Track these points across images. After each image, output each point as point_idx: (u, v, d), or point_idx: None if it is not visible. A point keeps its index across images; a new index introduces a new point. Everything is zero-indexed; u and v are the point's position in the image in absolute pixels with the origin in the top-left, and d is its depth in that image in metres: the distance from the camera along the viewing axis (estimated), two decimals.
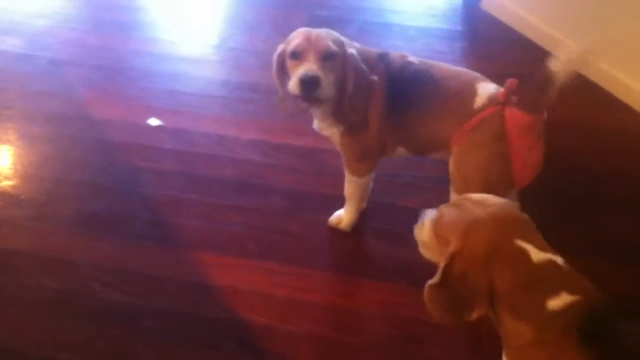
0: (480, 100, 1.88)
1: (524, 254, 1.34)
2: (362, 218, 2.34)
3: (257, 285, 2.13)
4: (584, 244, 2.20)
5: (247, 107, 2.82)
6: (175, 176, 2.50)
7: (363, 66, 1.95)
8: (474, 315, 1.38)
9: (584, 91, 2.89)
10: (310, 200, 2.42)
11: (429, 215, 1.56)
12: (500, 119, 1.83)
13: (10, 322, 2.04)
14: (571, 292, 1.29)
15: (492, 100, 1.86)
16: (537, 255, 1.34)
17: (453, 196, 1.96)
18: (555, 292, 1.29)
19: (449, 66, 2.03)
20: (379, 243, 2.27)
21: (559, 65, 1.75)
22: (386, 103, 1.98)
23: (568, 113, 2.76)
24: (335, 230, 2.30)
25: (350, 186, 2.22)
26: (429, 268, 1.48)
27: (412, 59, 2.01)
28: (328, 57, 1.88)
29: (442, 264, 1.40)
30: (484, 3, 3.43)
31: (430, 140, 2.00)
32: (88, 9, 3.56)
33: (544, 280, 1.32)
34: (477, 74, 1.99)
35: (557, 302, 1.28)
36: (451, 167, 1.95)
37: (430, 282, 1.41)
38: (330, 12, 3.44)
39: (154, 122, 2.72)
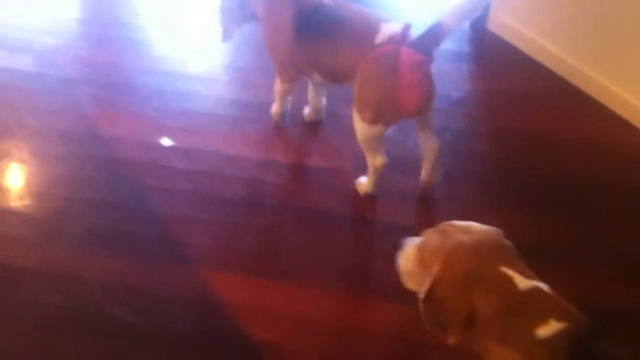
0: (381, 37, 2.19)
1: (509, 280, 1.35)
2: (373, 239, 2.35)
3: (266, 303, 2.14)
4: (582, 256, 2.23)
5: (255, 126, 2.84)
6: (185, 194, 2.51)
7: None
8: (450, 340, 1.40)
9: (587, 108, 2.92)
10: (320, 219, 2.43)
11: (412, 242, 1.58)
12: (395, 55, 2.14)
13: (19, 338, 2.05)
14: (559, 319, 1.30)
15: (391, 39, 2.17)
16: (522, 282, 1.35)
17: (354, 115, 2.31)
18: (543, 319, 1.30)
19: (359, 7, 2.35)
20: (389, 264, 2.28)
21: (448, 17, 2.11)
22: (294, 34, 2.38)
23: (570, 129, 2.80)
24: (345, 250, 2.30)
25: (276, 86, 2.69)
26: None
27: (328, 0, 2.36)
28: None
29: (426, 286, 1.42)
30: (490, 24, 3.46)
31: (339, 69, 2.35)
32: (98, 27, 3.59)
33: (531, 307, 1.33)
34: (383, 16, 2.29)
35: (546, 329, 1.29)
36: (354, 90, 2.29)
37: (421, 296, 1.44)
38: None
39: (166, 142, 2.73)
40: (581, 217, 2.43)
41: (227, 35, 2.65)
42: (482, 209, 2.43)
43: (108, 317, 2.10)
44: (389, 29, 2.19)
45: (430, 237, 1.51)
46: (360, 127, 2.32)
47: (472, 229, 1.47)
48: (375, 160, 2.40)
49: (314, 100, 2.83)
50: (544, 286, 1.36)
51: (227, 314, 2.10)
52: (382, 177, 2.45)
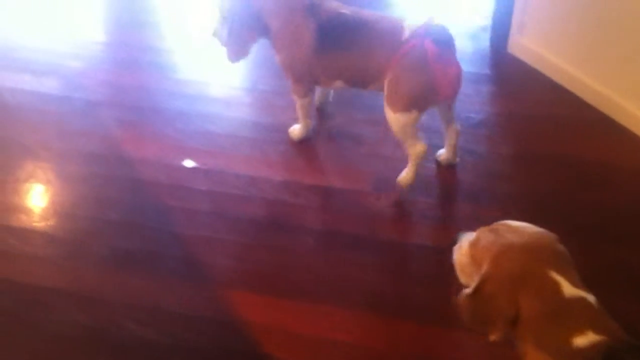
0: (406, 34, 2.33)
1: (556, 286, 1.35)
2: (394, 260, 2.35)
3: (287, 324, 2.15)
4: (605, 279, 2.21)
5: (277, 148, 2.87)
6: (207, 215, 2.54)
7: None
8: (492, 337, 1.40)
9: (608, 130, 2.91)
10: (340, 239, 2.44)
11: (467, 237, 1.59)
12: (422, 47, 2.28)
13: (42, 356, 2.08)
14: (598, 331, 1.30)
15: (414, 34, 2.31)
16: (569, 289, 1.35)
17: (386, 110, 2.43)
18: (582, 329, 1.30)
19: (374, 13, 2.50)
20: (411, 283, 2.28)
21: None
22: (315, 45, 2.47)
23: (591, 151, 2.79)
24: (365, 270, 2.31)
25: (296, 105, 2.78)
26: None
27: (344, 10, 2.47)
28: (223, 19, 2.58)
29: (475, 281, 1.44)
30: (510, 46, 3.47)
31: (367, 72, 2.45)
32: (123, 51, 3.64)
33: (572, 316, 1.33)
34: (400, 17, 2.45)
35: (583, 340, 1.29)
36: (386, 87, 2.40)
37: (466, 291, 1.45)
38: None
39: (188, 163, 2.77)
40: (603, 240, 2.41)
41: (241, 54, 2.68)
42: None
43: (129, 335, 2.12)
44: (411, 26, 2.34)
45: (483, 235, 1.52)
46: (395, 118, 2.43)
47: (526, 230, 1.48)
48: (416, 148, 2.51)
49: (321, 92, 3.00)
50: (590, 297, 1.36)
51: (247, 334, 2.12)
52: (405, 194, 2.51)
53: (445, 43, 2.31)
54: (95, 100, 3.20)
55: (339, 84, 2.61)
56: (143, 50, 3.64)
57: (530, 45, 3.36)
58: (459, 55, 2.36)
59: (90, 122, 3.04)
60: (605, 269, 2.27)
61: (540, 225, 2.35)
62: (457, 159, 2.73)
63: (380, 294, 2.25)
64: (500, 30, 3.50)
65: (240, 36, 2.61)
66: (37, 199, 2.63)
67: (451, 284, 2.11)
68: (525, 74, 3.33)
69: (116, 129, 3.00)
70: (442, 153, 2.73)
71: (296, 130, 2.88)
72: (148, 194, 2.64)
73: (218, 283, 2.28)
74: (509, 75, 3.37)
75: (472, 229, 2.40)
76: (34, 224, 2.52)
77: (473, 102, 3.11)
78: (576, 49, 3.11)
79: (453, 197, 2.64)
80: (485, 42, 3.58)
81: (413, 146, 2.51)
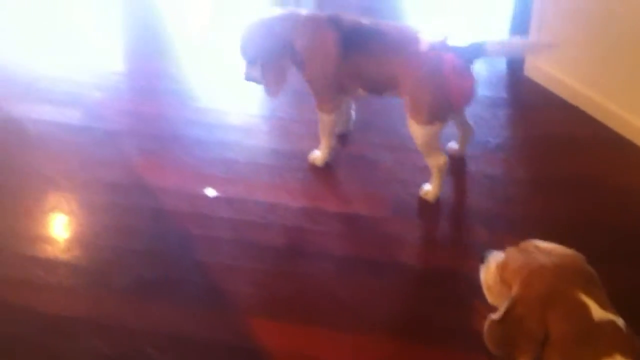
0: (423, 46, 2.42)
1: (585, 308, 1.35)
2: (414, 285, 2.36)
3: (307, 350, 2.16)
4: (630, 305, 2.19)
5: (297, 175, 2.89)
6: (227, 243, 2.56)
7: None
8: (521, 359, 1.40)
9: (626, 153, 2.91)
10: (360, 265, 2.45)
11: (494, 257, 1.60)
12: (440, 60, 2.37)
13: None
14: (625, 354, 1.30)
15: (433, 46, 2.41)
16: (597, 312, 1.35)
17: (411, 123, 2.50)
18: (610, 352, 1.31)
19: (393, 23, 2.67)
20: (432, 308, 2.29)
21: (493, 44, 2.43)
22: (340, 55, 2.55)
23: (609, 174, 2.78)
24: (387, 296, 2.32)
25: (321, 124, 2.81)
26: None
27: (364, 21, 2.56)
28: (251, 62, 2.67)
29: (504, 305, 1.43)
30: (526, 70, 3.49)
31: (386, 79, 2.53)
32: (143, 80, 3.70)
33: (601, 339, 1.33)
34: (417, 28, 2.54)
35: None
36: (405, 94, 2.49)
37: (493, 316, 1.45)
38: None
39: (210, 192, 2.80)
40: (623, 263, 2.39)
41: (280, 84, 2.72)
42: None
43: None
44: (428, 37, 2.44)
45: (512, 255, 1.53)
46: (419, 131, 2.50)
47: (555, 251, 1.49)
48: (439, 160, 2.59)
49: (344, 113, 3.00)
50: (619, 320, 1.36)
51: None
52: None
53: (463, 57, 2.40)
54: (115, 129, 3.24)
55: (360, 92, 2.69)
56: (162, 79, 3.69)
57: (546, 68, 3.37)
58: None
59: (111, 152, 3.08)
60: (625, 293, 2.25)
61: None
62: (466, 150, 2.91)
63: (401, 319, 2.26)
64: None
65: (274, 69, 2.67)
66: (61, 229, 2.67)
67: (473, 308, 2.13)
68: (541, 96, 3.34)
69: (137, 157, 3.04)
70: (454, 146, 2.89)
71: (318, 155, 2.92)
72: (169, 222, 2.67)
73: (239, 310, 2.30)
74: (525, 98, 3.39)
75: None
76: (58, 254, 2.55)
77: (490, 126, 3.12)
78: (592, 71, 3.12)
79: (471, 221, 2.64)
80: (501, 65, 3.60)
81: (435, 158, 2.58)
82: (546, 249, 1.49)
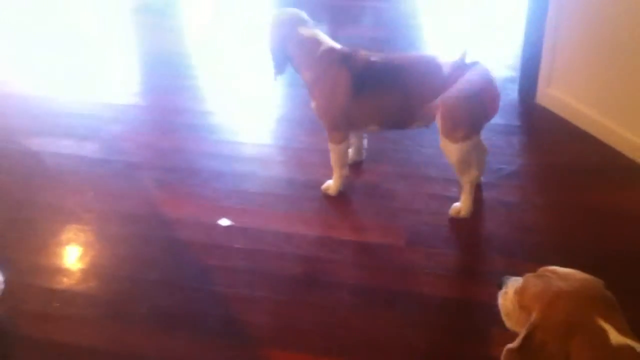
0: (446, 69, 2.52)
1: (604, 334, 1.35)
2: (430, 314, 2.36)
3: None
4: None
5: (312, 205, 2.92)
6: (245, 274, 2.57)
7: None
8: None
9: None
10: (376, 295, 2.45)
11: (512, 283, 1.60)
12: (467, 75, 2.49)
13: None
14: None
15: (454, 66, 2.51)
16: (616, 337, 1.34)
17: (442, 140, 2.58)
18: None
19: (406, 53, 2.86)
20: (449, 338, 2.28)
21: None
22: (351, 92, 2.62)
23: (625, 200, 2.78)
24: (402, 326, 2.32)
25: (332, 154, 2.85)
26: None
27: (374, 58, 2.64)
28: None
29: (523, 332, 1.43)
30: (539, 98, 3.51)
31: (411, 111, 2.62)
32: (161, 114, 3.76)
33: None
34: (431, 53, 2.71)
35: None
36: (440, 123, 2.54)
37: (510, 346, 1.44)
38: None
39: (224, 222, 2.82)
40: None
41: (278, 71, 2.78)
42: None
43: None
44: (447, 60, 2.55)
45: (530, 281, 1.53)
46: (456, 149, 2.57)
47: (574, 276, 1.49)
48: (471, 175, 2.67)
49: (356, 142, 3.09)
50: (637, 346, 1.35)
51: None
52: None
53: (485, 71, 2.53)
54: (134, 162, 3.29)
55: (372, 127, 2.78)
56: (179, 112, 3.75)
57: (558, 96, 3.39)
58: None
59: (129, 184, 3.13)
60: None
61: None
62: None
63: (418, 349, 2.25)
64: (528, 82, 3.55)
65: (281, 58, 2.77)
66: (79, 261, 2.70)
67: (491, 337, 2.13)
68: (555, 124, 3.36)
69: (154, 190, 3.08)
70: (475, 170, 2.81)
71: (331, 185, 2.94)
72: (187, 253, 2.69)
73: (257, 341, 2.30)
74: (538, 126, 3.40)
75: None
76: (76, 285, 2.57)
77: (504, 154, 3.14)
78: (604, 98, 3.13)
79: (486, 250, 2.65)
80: (513, 93, 3.63)
81: (468, 175, 2.66)
82: (565, 274, 1.49)
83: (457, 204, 2.75)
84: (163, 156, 3.34)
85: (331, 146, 2.82)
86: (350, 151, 3.06)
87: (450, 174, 2.81)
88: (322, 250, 2.68)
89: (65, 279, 2.61)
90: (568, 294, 1.43)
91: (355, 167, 3.07)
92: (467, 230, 2.72)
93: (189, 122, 3.64)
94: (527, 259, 2.54)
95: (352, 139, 3.00)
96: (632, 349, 1.35)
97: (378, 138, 3.16)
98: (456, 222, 2.71)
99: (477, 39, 4.26)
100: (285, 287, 2.51)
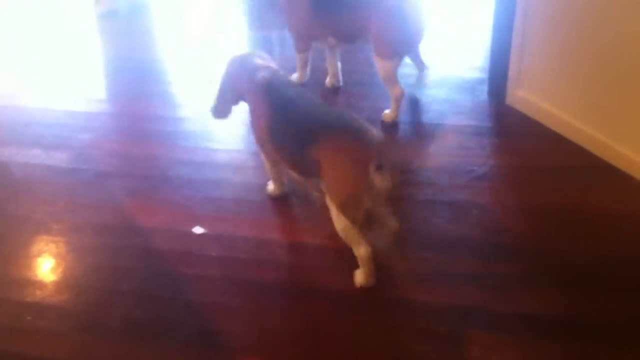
0: None
1: None
2: (410, 320, 2.36)
3: None
4: (615, 332, 2.21)
5: (285, 210, 2.91)
6: (219, 281, 2.55)
7: None
8: None
9: (613, 179, 2.94)
10: (357, 301, 2.44)
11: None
12: (398, 5, 3.19)
13: None
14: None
15: None
16: None
17: (376, 59, 3.31)
18: None
19: None
20: (425, 342, 2.28)
21: None
22: (312, 10, 3.38)
23: (596, 200, 2.81)
24: (384, 332, 2.31)
25: (296, 58, 3.73)
26: None
27: None
28: None
29: None
30: (508, 99, 3.53)
31: (354, 27, 3.31)
32: (131, 122, 3.73)
33: None
34: None
35: None
36: (373, 40, 3.25)
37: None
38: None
39: (198, 230, 2.80)
40: (614, 290, 2.41)
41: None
42: (511, 283, 2.44)
43: None
44: None
45: None
46: (383, 65, 3.28)
47: None
48: (396, 91, 3.35)
49: (331, 67, 3.78)
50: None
51: None
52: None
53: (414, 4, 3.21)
54: (104, 171, 3.26)
55: (331, 40, 3.49)
56: (151, 119, 3.72)
57: (528, 97, 3.42)
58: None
59: (100, 193, 3.09)
60: (617, 321, 2.27)
61: (549, 281, 2.37)
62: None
63: (399, 355, 2.24)
64: (498, 84, 3.57)
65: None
66: (50, 273, 2.66)
67: (467, 340, 2.13)
68: (525, 125, 3.39)
69: (126, 199, 3.05)
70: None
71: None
72: (160, 262, 2.66)
73: (233, 350, 2.28)
74: (509, 127, 3.43)
75: (481, 284, 2.42)
76: (47, 298, 2.54)
77: (475, 155, 3.16)
78: (573, 99, 3.17)
79: (459, 251, 2.63)
80: (483, 95, 3.65)
81: (394, 89, 3.34)
82: None
83: (387, 110, 3.43)
84: (134, 164, 3.30)
85: (296, 54, 3.69)
86: (327, 79, 3.79)
87: (421, 181, 2.82)
88: (297, 256, 2.67)
89: (36, 292, 2.57)
90: None
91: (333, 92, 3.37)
92: (441, 233, 2.72)
93: (160, 129, 3.61)
94: (501, 260, 2.55)
95: (329, 64, 3.75)
96: None
97: None
98: (430, 225, 2.71)
99: (446, 41, 4.28)
100: (259, 295, 2.49)
